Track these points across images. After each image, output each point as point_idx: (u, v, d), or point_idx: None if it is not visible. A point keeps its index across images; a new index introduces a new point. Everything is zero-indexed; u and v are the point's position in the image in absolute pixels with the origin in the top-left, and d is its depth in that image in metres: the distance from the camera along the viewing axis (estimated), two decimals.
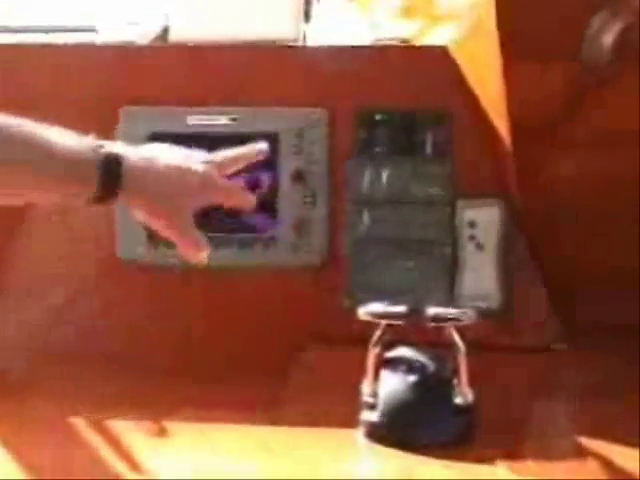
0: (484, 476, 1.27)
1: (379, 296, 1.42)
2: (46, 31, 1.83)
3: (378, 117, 1.68)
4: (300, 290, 1.66)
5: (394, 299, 1.39)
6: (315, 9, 1.83)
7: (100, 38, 1.79)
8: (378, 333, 1.35)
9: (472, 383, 1.34)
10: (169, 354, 1.62)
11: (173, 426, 1.40)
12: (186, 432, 1.39)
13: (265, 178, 1.65)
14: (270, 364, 1.57)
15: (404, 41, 1.73)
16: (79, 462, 1.30)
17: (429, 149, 1.67)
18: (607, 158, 1.56)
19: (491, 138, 1.61)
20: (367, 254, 1.67)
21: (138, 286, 1.65)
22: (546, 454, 1.33)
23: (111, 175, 1.17)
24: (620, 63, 1.43)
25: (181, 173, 1.22)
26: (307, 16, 1.80)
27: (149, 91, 1.70)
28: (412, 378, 1.34)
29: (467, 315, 1.36)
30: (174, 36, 1.76)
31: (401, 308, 1.36)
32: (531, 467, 1.30)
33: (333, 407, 1.41)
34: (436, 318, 1.35)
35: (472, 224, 1.65)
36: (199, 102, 1.69)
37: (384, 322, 1.36)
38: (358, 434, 1.35)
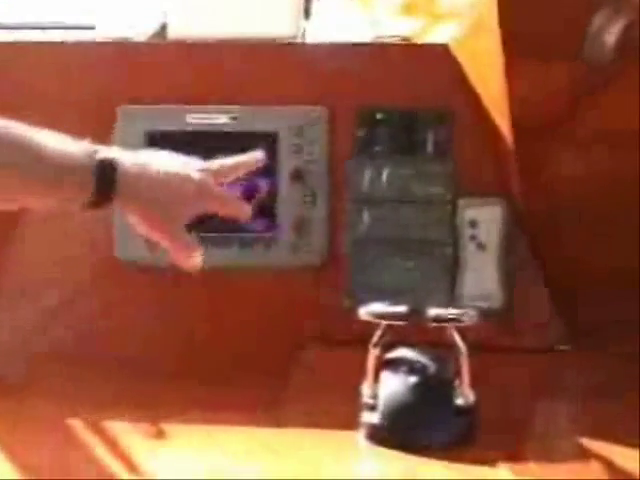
0: (486, 477, 1.28)
1: (379, 296, 1.42)
2: (43, 28, 1.82)
3: (378, 116, 1.68)
4: (300, 290, 1.66)
5: (394, 299, 1.39)
6: (315, 6, 1.84)
7: (98, 35, 1.79)
8: (378, 334, 1.36)
9: (473, 384, 1.34)
10: (168, 355, 1.63)
11: (173, 428, 1.40)
12: (186, 433, 1.39)
13: (263, 184, 1.66)
14: (270, 365, 1.57)
15: (405, 39, 1.73)
16: (77, 463, 1.31)
17: (430, 148, 1.67)
18: (610, 158, 1.56)
19: (493, 137, 1.62)
20: (367, 254, 1.68)
21: (137, 287, 1.66)
22: (548, 455, 1.34)
23: (105, 180, 1.18)
24: (623, 61, 1.44)
25: (177, 180, 1.23)
26: (307, 13, 1.80)
27: (147, 89, 1.71)
28: (413, 379, 1.34)
29: (468, 316, 1.36)
30: (172, 33, 1.76)
31: (402, 308, 1.37)
32: (533, 468, 1.30)
33: (333, 408, 1.42)
34: (437, 319, 1.35)
35: (473, 224, 1.65)
36: (198, 100, 1.70)
37: (384, 322, 1.36)
38: (359, 436, 1.36)
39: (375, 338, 1.36)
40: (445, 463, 1.29)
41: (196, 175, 1.25)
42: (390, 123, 1.68)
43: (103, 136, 1.69)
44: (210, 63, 1.71)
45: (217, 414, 1.44)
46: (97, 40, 1.77)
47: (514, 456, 1.31)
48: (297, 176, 1.69)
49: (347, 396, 1.37)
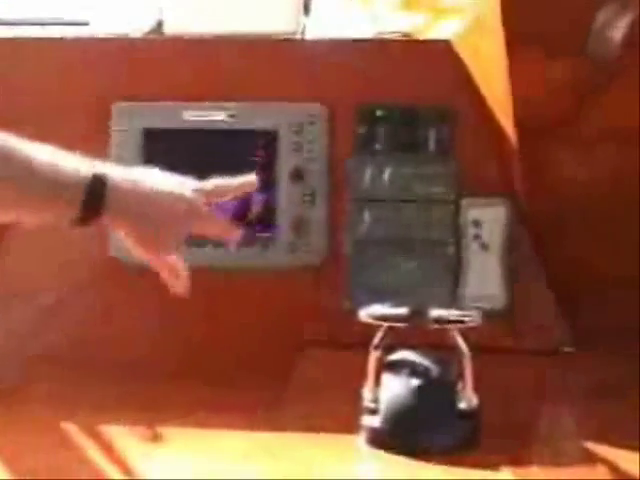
0: None
1: (380, 297, 1.42)
2: (37, 24, 1.83)
3: (379, 113, 1.68)
4: (299, 291, 1.67)
5: (396, 300, 1.39)
6: (315, 2, 1.84)
7: (93, 32, 1.79)
8: (379, 335, 1.36)
9: (476, 386, 1.34)
10: (166, 357, 1.63)
11: (170, 431, 1.40)
12: (183, 437, 1.39)
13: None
14: (269, 367, 1.57)
15: (406, 35, 1.73)
16: (73, 467, 1.31)
17: (432, 146, 1.68)
18: (615, 157, 1.56)
19: (496, 135, 1.62)
20: (368, 254, 1.68)
21: (134, 288, 1.66)
22: (552, 459, 1.33)
23: (94, 195, 1.18)
24: (629, 58, 1.44)
25: (169, 199, 1.24)
26: (307, 9, 1.80)
27: (144, 86, 1.71)
28: (415, 382, 1.34)
29: (471, 317, 1.36)
30: (169, 30, 1.76)
31: (403, 310, 1.36)
32: (536, 472, 1.30)
33: (333, 412, 1.42)
34: (439, 320, 1.35)
35: (477, 223, 1.65)
36: (195, 98, 1.70)
37: (385, 324, 1.36)
38: (359, 440, 1.36)
39: (376, 340, 1.36)
40: (448, 467, 1.29)
41: (188, 195, 1.25)
42: (391, 121, 1.68)
43: (99, 134, 1.71)
44: (208, 60, 1.71)
45: (215, 417, 1.44)
46: (92, 37, 1.77)
47: (517, 460, 1.31)
48: (296, 175, 1.69)
49: (347, 399, 1.37)
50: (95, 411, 1.45)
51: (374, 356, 1.36)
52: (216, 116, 1.70)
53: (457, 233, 1.66)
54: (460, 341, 1.34)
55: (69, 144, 1.66)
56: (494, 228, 1.65)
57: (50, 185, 1.17)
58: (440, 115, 1.66)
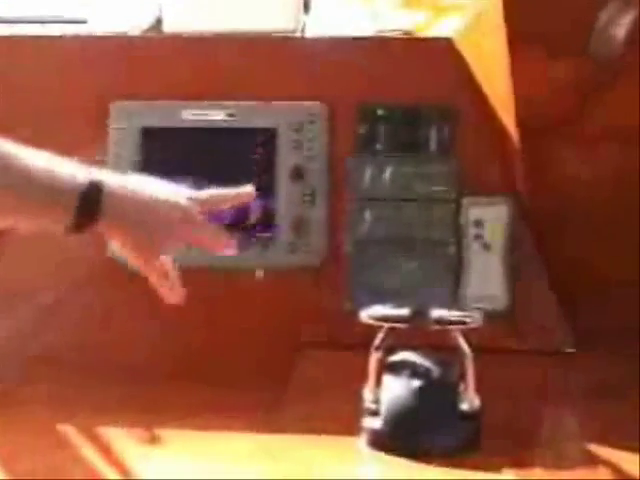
0: None
1: (381, 298, 1.42)
2: (34, 22, 1.83)
3: (380, 112, 1.69)
4: (299, 292, 1.67)
5: (397, 301, 1.39)
6: None
7: (91, 30, 1.79)
8: (380, 336, 1.36)
9: (478, 388, 1.35)
10: (165, 358, 1.63)
11: (168, 433, 1.40)
12: (181, 439, 1.39)
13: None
14: (268, 369, 1.57)
15: (407, 32, 1.74)
16: (70, 468, 1.32)
17: (433, 145, 1.68)
18: (618, 156, 1.57)
19: (498, 134, 1.62)
20: (368, 254, 1.68)
21: (132, 288, 1.66)
22: (554, 461, 1.34)
23: (90, 201, 1.19)
24: (631, 56, 1.44)
25: (164, 207, 1.24)
26: (306, 6, 1.81)
27: (142, 85, 1.71)
28: (416, 383, 1.34)
29: (473, 318, 1.36)
30: (168, 27, 1.76)
31: (404, 310, 1.37)
32: (539, 474, 1.30)
33: (334, 413, 1.42)
34: (440, 321, 1.36)
35: (478, 223, 1.66)
36: (194, 96, 1.70)
37: (386, 325, 1.36)
38: (360, 441, 1.36)
39: (377, 341, 1.36)
40: (449, 469, 1.29)
41: (184, 203, 1.25)
42: (392, 119, 1.68)
43: (98, 133, 1.71)
44: (207, 58, 1.71)
45: (214, 419, 1.44)
46: (90, 35, 1.77)
47: (520, 462, 1.31)
48: (296, 174, 1.69)
49: (348, 400, 1.37)
50: (94, 413, 1.45)
51: (375, 357, 1.36)
52: (215, 115, 1.71)
53: (458, 233, 1.67)
54: (462, 342, 1.34)
55: (67, 143, 1.66)
56: (496, 228, 1.65)
57: (47, 191, 1.18)
58: (441, 114, 1.67)
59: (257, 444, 1.37)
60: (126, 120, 1.71)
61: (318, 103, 1.69)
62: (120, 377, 1.57)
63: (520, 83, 1.49)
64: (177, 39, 1.74)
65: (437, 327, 1.36)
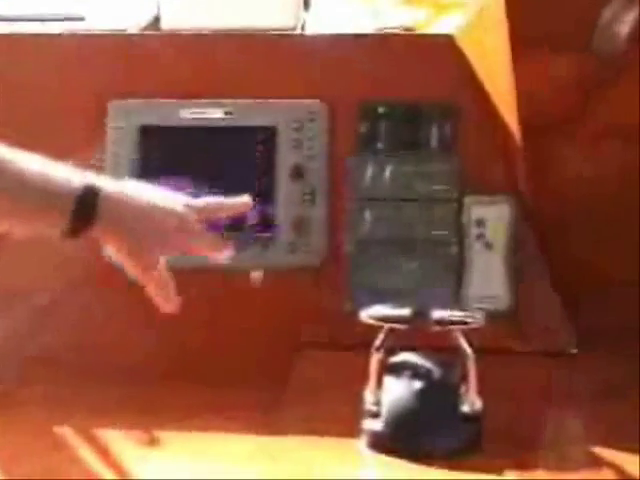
0: None
1: (382, 298, 1.43)
2: (31, 20, 1.83)
3: (381, 110, 1.69)
4: (299, 292, 1.67)
5: (397, 301, 1.39)
6: None
7: (88, 27, 1.80)
8: (381, 337, 1.36)
9: (479, 389, 1.35)
10: (165, 359, 1.63)
11: (167, 435, 1.41)
12: (180, 441, 1.40)
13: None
14: (268, 370, 1.58)
15: (408, 29, 1.74)
16: (68, 470, 1.32)
17: (434, 143, 1.68)
18: (621, 154, 1.57)
19: (500, 132, 1.63)
20: (369, 254, 1.68)
21: (132, 289, 1.66)
22: (557, 463, 1.34)
23: (85, 205, 1.19)
24: (634, 53, 1.45)
25: (160, 212, 1.25)
26: (306, 3, 1.81)
27: (140, 83, 1.71)
28: (417, 385, 1.35)
29: (475, 318, 1.37)
30: (166, 25, 1.77)
31: (405, 311, 1.37)
32: (542, 477, 1.31)
33: (334, 415, 1.42)
34: (442, 321, 1.36)
35: (480, 222, 1.66)
36: (192, 94, 1.71)
37: (387, 326, 1.36)
38: (361, 443, 1.37)
39: (377, 342, 1.36)
40: (450, 472, 1.30)
41: (180, 210, 1.26)
42: (393, 118, 1.68)
43: (95, 131, 1.71)
44: (206, 56, 1.71)
45: (213, 420, 1.44)
46: (88, 32, 1.78)
47: (522, 464, 1.32)
48: (296, 173, 1.69)
49: (348, 402, 1.38)
50: (92, 414, 1.46)
51: (375, 358, 1.36)
52: (214, 113, 1.71)
53: (460, 232, 1.67)
54: (463, 343, 1.34)
55: (65, 141, 1.68)
56: (498, 227, 1.65)
57: (42, 195, 1.19)
58: (443, 112, 1.67)
59: (256, 446, 1.37)
60: (124, 119, 1.71)
61: (318, 101, 1.70)
62: (118, 378, 1.57)
63: (522, 80, 1.49)
64: (175, 37, 1.75)
65: (438, 328, 1.36)
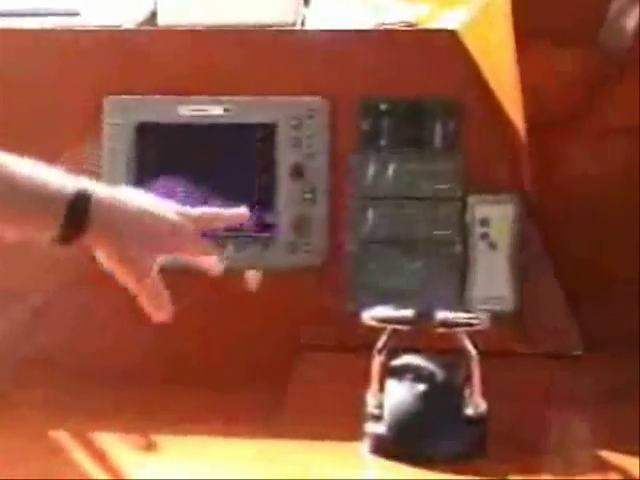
0: None
1: (384, 299, 1.43)
2: (25, 15, 1.83)
3: (383, 107, 1.69)
4: (300, 293, 1.67)
5: (400, 302, 1.40)
6: None
7: (84, 22, 1.80)
8: (383, 339, 1.36)
9: (484, 392, 1.35)
10: (163, 360, 1.64)
11: (164, 439, 1.41)
12: (178, 445, 1.40)
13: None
14: (268, 372, 1.58)
15: (411, 25, 1.74)
16: (64, 475, 1.32)
17: (438, 141, 1.68)
18: (627, 151, 1.57)
19: (504, 129, 1.63)
20: (371, 254, 1.68)
21: (127, 289, 1.67)
22: (563, 468, 1.34)
23: (77, 210, 1.20)
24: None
25: (152, 218, 1.25)
26: None
27: (136, 79, 1.71)
28: (420, 387, 1.35)
29: (479, 319, 1.37)
30: (163, 20, 1.77)
31: (408, 312, 1.37)
32: None
33: (335, 418, 1.42)
34: (446, 323, 1.36)
35: (484, 222, 1.66)
36: (190, 91, 1.71)
37: (390, 327, 1.37)
38: (363, 447, 1.37)
39: (380, 344, 1.37)
40: (454, 476, 1.30)
41: (173, 217, 1.27)
42: (395, 115, 1.69)
43: (92, 128, 1.72)
44: (203, 52, 1.71)
45: (212, 424, 1.45)
46: (83, 28, 1.78)
47: (527, 468, 1.32)
48: (296, 172, 1.69)
49: (350, 405, 1.38)
50: (89, 417, 1.46)
51: (378, 360, 1.36)
52: (212, 110, 1.71)
53: (464, 232, 1.67)
54: (467, 344, 1.35)
55: (60, 138, 1.68)
56: (503, 226, 1.66)
57: (33, 200, 1.19)
58: (447, 109, 1.67)
59: (256, 449, 1.38)
60: (120, 115, 1.72)
61: (318, 98, 1.70)
62: (116, 381, 1.57)
63: (527, 76, 1.49)
64: (172, 32, 1.75)
65: (442, 329, 1.36)
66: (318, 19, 1.79)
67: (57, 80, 1.72)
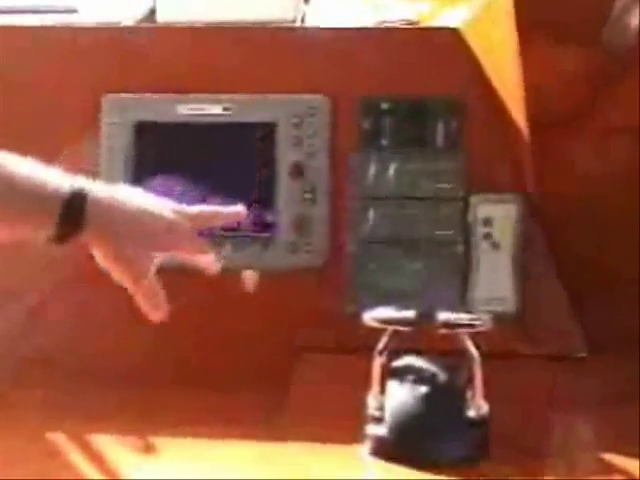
0: None
1: (385, 300, 1.43)
2: (22, 12, 1.84)
3: (384, 106, 1.69)
4: (300, 294, 1.67)
5: (402, 303, 1.40)
6: None
7: (82, 20, 1.80)
8: (384, 340, 1.37)
9: (486, 394, 1.36)
10: (161, 362, 1.64)
11: (163, 441, 1.42)
12: (176, 448, 1.41)
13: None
14: (267, 374, 1.58)
15: (412, 23, 1.75)
16: (64, 476, 1.33)
17: (440, 140, 1.68)
18: (630, 151, 1.57)
19: (507, 128, 1.63)
20: (372, 254, 1.69)
21: (125, 289, 1.67)
22: (566, 471, 1.35)
23: (73, 210, 1.20)
24: None
25: (149, 217, 1.26)
26: None
27: (135, 77, 1.72)
28: (421, 389, 1.35)
29: (481, 320, 1.37)
30: (162, 18, 1.78)
31: (409, 313, 1.37)
32: None
33: (336, 421, 1.42)
34: (447, 324, 1.36)
35: (487, 221, 1.66)
36: (189, 89, 1.71)
37: (391, 328, 1.37)
38: (363, 450, 1.37)
39: (381, 345, 1.37)
40: (456, 479, 1.30)
41: (169, 215, 1.27)
42: (397, 114, 1.69)
43: (90, 127, 1.72)
44: (203, 49, 1.72)
45: (211, 426, 1.45)
46: (81, 25, 1.78)
47: (530, 472, 1.32)
48: (296, 171, 1.70)
49: (351, 407, 1.38)
50: (86, 419, 1.46)
51: (379, 362, 1.37)
52: (211, 109, 1.72)
53: (466, 232, 1.67)
54: (469, 346, 1.35)
55: (57, 137, 1.69)
56: (505, 226, 1.66)
57: (29, 199, 1.20)
58: (449, 108, 1.67)
59: (256, 452, 1.38)
60: (119, 114, 1.72)
61: (319, 96, 1.70)
62: (114, 382, 1.58)
63: (530, 75, 1.50)
64: (172, 30, 1.75)
65: (444, 330, 1.36)
66: (318, 16, 1.80)
67: (54, 78, 1.72)
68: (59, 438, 1.42)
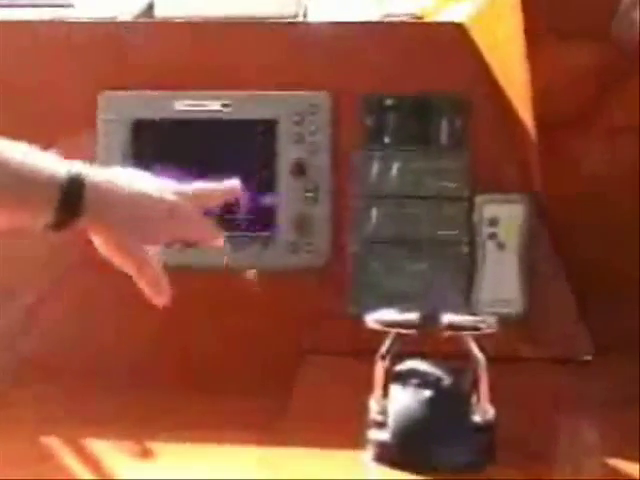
0: None
1: (388, 302, 1.42)
2: (17, 6, 1.84)
3: (388, 102, 1.69)
4: (301, 295, 1.67)
5: (405, 305, 1.40)
6: None
7: (78, 15, 1.80)
8: (387, 343, 1.36)
9: (492, 398, 1.35)
10: (161, 364, 1.64)
11: (161, 446, 1.42)
12: (174, 453, 1.40)
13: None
14: (268, 377, 1.58)
15: (416, 17, 1.75)
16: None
17: (444, 138, 1.68)
18: (638, 150, 1.57)
19: (513, 126, 1.63)
20: (375, 255, 1.69)
21: (124, 289, 1.67)
22: (573, 476, 1.35)
23: (71, 195, 1.20)
24: None
25: (149, 200, 1.25)
26: None
27: (132, 74, 1.72)
28: (425, 393, 1.35)
29: (487, 323, 1.37)
30: (160, 12, 1.78)
31: (413, 315, 1.37)
32: None
33: (338, 425, 1.42)
34: (452, 326, 1.36)
35: (493, 221, 1.66)
36: (188, 86, 1.71)
37: (394, 331, 1.37)
38: (366, 455, 1.37)
39: (384, 348, 1.37)
40: None
41: (170, 197, 1.27)
42: (400, 111, 1.69)
43: (86, 124, 1.72)
44: (201, 45, 1.72)
45: (211, 430, 1.45)
46: (77, 20, 1.78)
47: (536, 476, 1.32)
48: (298, 169, 1.70)
49: (353, 411, 1.38)
50: (84, 423, 1.46)
51: (381, 365, 1.36)
52: (210, 105, 1.72)
53: (471, 232, 1.67)
54: (474, 349, 1.35)
55: (54, 135, 1.68)
56: (511, 226, 1.66)
57: (26, 185, 1.19)
58: (453, 105, 1.67)
59: (257, 457, 1.38)
60: (115, 111, 1.72)
61: (321, 93, 1.70)
62: (113, 384, 1.58)
63: (537, 72, 1.50)
64: (170, 25, 1.75)
65: (448, 333, 1.36)
66: (320, 11, 1.80)
67: (50, 75, 1.72)
68: (56, 441, 1.42)
